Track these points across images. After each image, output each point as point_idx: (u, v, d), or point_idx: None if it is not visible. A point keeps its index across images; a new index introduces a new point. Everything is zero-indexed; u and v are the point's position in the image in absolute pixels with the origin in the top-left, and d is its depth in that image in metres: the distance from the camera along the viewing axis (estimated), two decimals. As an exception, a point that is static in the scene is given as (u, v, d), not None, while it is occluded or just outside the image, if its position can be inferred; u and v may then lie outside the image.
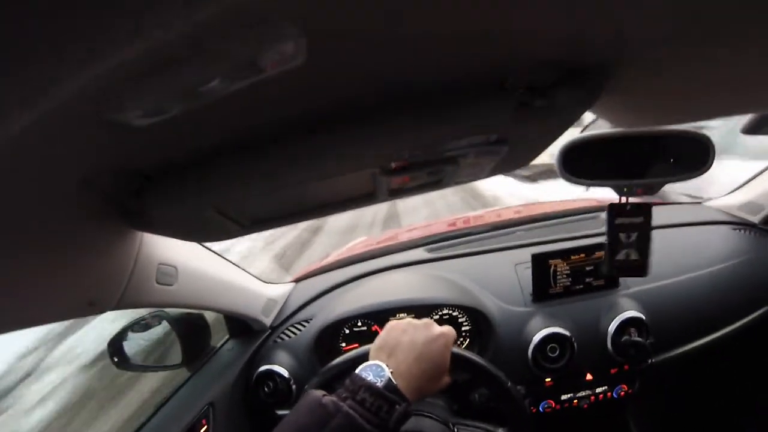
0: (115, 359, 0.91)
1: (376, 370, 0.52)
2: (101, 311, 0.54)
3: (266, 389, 0.95)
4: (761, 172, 1.18)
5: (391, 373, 0.52)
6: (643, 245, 0.66)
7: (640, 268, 0.67)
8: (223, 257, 0.88)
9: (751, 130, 0.72)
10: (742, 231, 1.14)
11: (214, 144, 0.40)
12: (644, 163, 0.63)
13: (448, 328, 0.61)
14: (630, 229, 0.66)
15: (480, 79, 0.39)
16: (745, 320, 1.03)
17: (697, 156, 0.66)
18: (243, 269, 0.97)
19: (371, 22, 0.25)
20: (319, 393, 0.51)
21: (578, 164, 0.61)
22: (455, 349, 0.67)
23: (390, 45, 0.29)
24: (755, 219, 1.16)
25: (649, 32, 0.33)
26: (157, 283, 0.62)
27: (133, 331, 0.89)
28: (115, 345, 0.90)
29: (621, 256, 0.67)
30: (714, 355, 1.03)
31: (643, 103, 0.51)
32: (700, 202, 1.31)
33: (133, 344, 0.89)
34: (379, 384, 0.50)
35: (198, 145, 0.40)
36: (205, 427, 0.84)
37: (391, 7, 0.24)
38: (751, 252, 1.09)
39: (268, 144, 0.40)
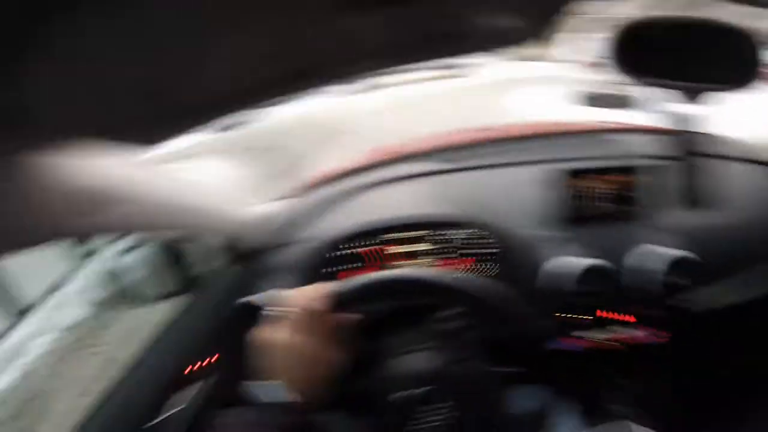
0: (110, 295, 0.86)
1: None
2: None
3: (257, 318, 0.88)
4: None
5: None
6: (699, 175, 0.60)
7: (703, 198, 0.60)
8: (190, 170, 0.79)
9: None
10: None
11: None
12: (713, 63, 0.53)
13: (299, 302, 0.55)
14: (691, 146, 0.58)
15: None
16: None
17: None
18: (218, 184, 0.88)
19: None
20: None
21: (635, 56, 0.51)
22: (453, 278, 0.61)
23: None
24: None
25: None
26: (82, 212, 0.50)
27: (123, 263, 0.82)
28: (110, 280, 0.84)
29: (686, 181, 0.59)
30: (764, 317, 0.95)
31: None
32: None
33: (128, 277, 0.82)
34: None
35: None
36: (201, 361, 0.77)
37: None
38: None
39: None
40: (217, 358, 0.77)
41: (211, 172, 0.86)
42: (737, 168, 0.99)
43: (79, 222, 0.47)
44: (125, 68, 0.31)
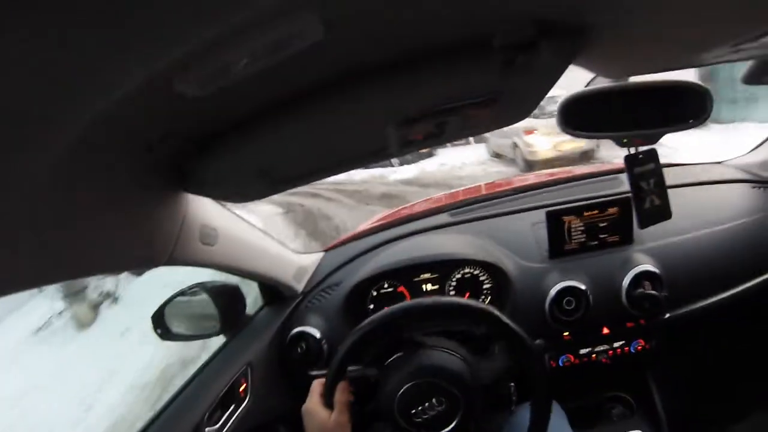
0: (158, 331, 1.00)
1: None
2: (156, 265, 0.62)
3: (299, 350, 1.01)
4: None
5: None
6: (661, 188, 0.70)
7: (664, 211, 0.71)
8: (255, 226, 0.94)
9: (750, 79, 0.73)
10: (761, 188, 1.14)
11: (251, 112, 0.47)
12: (643, 115, 0.66)
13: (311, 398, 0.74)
14: (647, 176, 0.70)
15: (469, 40, 0.44)
16: (765, 277, 1.03)
17: (695, 107, 0.69)
18: (273, 238, 1.03)
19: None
20: None
21: (578, 118, 0.65)
22: (477, 304, 0.73)
23: (392, 11, 0.35)
24: None
25: None
26: (201, 242, 0.69)
27: (173, 303, 0.97)
28: (158, 318, 0.98)
29: (647, 204, 0.71)
30: (732, 313, 1.04)
31: (626, 54, 0.55)
32: (720, 162, 1.31)
33: (175, 316, 0.97)
34: None
35: (238, 113, 0.47)
36: (245, 385, 0.91)
37: None
38: None
39: (297, 107, 0.47)
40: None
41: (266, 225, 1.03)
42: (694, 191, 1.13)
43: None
44: None
